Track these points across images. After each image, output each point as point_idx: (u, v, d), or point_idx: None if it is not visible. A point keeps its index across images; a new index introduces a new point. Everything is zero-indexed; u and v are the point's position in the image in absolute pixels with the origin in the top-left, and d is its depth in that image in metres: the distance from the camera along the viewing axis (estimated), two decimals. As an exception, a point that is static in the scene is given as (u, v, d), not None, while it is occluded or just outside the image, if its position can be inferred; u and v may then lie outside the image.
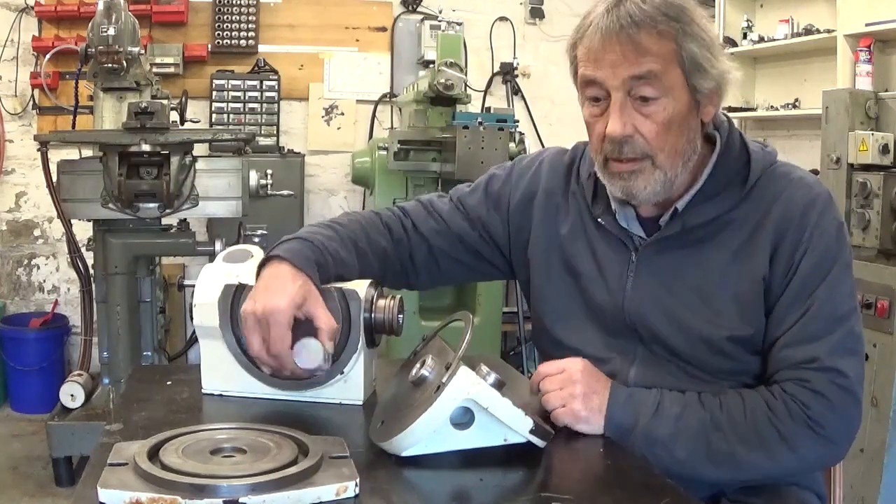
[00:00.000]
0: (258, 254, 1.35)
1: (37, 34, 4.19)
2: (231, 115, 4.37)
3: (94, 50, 2.88)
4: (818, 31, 3.67)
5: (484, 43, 4.70)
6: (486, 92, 4.67)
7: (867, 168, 2.85)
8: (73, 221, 3.05)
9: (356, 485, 0.94)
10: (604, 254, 1.35)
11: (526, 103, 4.70)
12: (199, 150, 3.09)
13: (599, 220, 1.35)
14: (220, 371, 1.32)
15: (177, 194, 2.88)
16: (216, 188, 2.98)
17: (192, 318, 1.34)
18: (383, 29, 4.60)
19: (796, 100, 3.96)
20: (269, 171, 3.11)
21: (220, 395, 1.33)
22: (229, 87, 4.36)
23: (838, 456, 1.24)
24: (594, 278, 1.35)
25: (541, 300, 1.42)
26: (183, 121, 3.36)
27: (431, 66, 3.67)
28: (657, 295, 1.29)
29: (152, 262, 3.21)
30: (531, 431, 1.08)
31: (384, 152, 3.67)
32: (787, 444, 1.18)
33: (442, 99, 3.54)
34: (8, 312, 4.26)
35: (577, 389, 1.21)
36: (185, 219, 3.15)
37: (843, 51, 3.39)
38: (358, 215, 1.46)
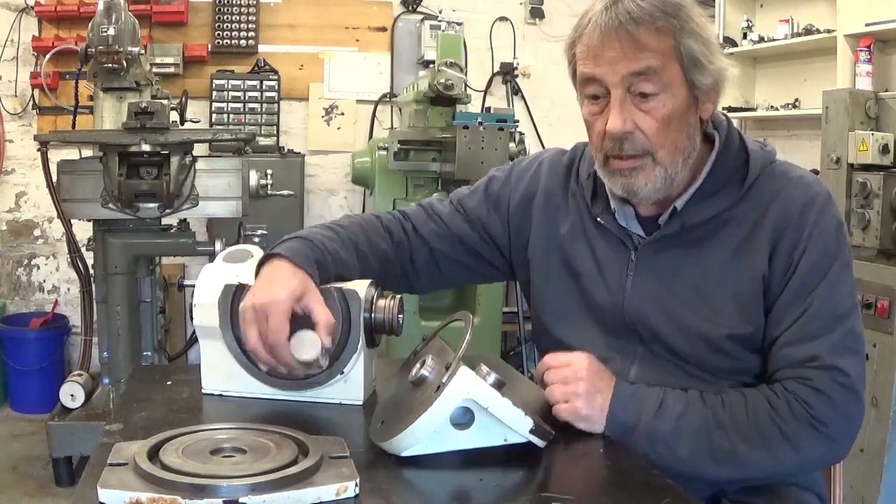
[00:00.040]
0: (258, 254, 1.35)
1: (37, 34, 4.19)
2: (231, 115, 4.37)
3: (94, 50, 2.88)
4: (818, 31, 3.67)
5: (484, 43, 4.70)
6: (486, 92, 4.67)
7: (867, 168, 2.85)
8: (73, 221, 3.05)
9: (356, 485, 0.94)
10: (603, 253, 1.35)
11: (526, 103, 4.70)
12: (199, 150, 3.09)
13: (599, 219, 1.36)
14: (220, 371, 1.32)
15: (177, 194, 2.88)
16: (216, 188, 2.98)
17: (192, 318, 1.34)
18: (383, 29, 4.60)
19: (796, 100, 3.96)
20: (269, 171, 3.11)
21: (220, 395, 1.33)
22: (229, 87, 4.36)
23: (840, 455, 1.24)
24: (594, 278, 1.35)
25: (541, 300, 1.42)
26: (183, 121, 3.36)
27: (431, 66, 3.67)
28: (656, 294, 1.29)
29: (152, 262, 3.21)
30: (531, 431, 1.08)
31: (384, 152, 3.67)
32: (790, 442, 1.18)
33: (442, 99, 3.54)
34: (8, 312, 4.26)
35: (580, 387, 1.20)
36: (185, 219, 3.15)
37: (843, 51, 3.39)
38: (358, 218, 1.47)
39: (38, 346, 3.99)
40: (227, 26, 4.38)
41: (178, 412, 1.25)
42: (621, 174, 1.25)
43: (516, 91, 4.70)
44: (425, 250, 1.46)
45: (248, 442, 1.02)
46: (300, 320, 1.19)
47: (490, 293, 3.69)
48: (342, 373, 1.28)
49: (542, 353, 1.47)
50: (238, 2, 4.38)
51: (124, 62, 2.91)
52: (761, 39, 3.99)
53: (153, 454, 0.96)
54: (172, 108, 3.18)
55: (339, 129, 4.57)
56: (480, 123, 3.44)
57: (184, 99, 3.40)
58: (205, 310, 1.31)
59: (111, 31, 2.84)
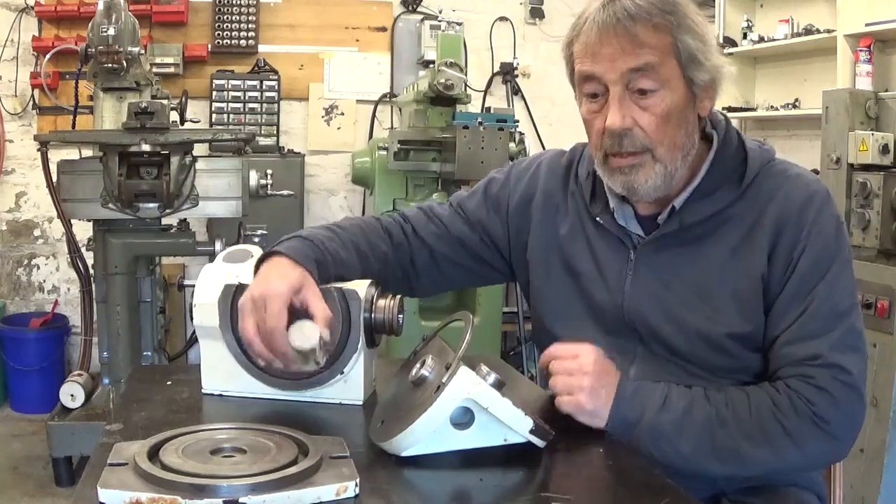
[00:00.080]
0: (258, 254, 1.35)
1: (37, 34, 4.19)
2: (231, 115, 4.37)
3: (94, 50, 2.88)
4: (818, 31, 3.67)
5: (484, 43, 4.70)
6: (486, 92, 4.67)
7: (867, 168, 2.85)
8: (73, 221, 3.05)
9: (356, 485, 0.94)
10: (603, 253, 1.35)
11: (526, 103, 4.70)
12: (199, 150, 3.09)
13: (598, 219, 1.36)
14: (220, 371, 1.32)
15: (177, 194, 2.89)
16: (216, 188, 2.98)
17: (192, 318, 1.34)
18: (383, 29, 4.60)
19: (796, 100, 3.96)
20: (269, 171, 3.11)
21: (220, 395, 1.33)
22: (229, 87, 4.36)
23: (842, 452, 1.23)
24: (594, 278, 1.35)
25: (541, 300, 1.42)
26: (183, 121, 3.36)
27: (431, 66, 3.67)
28: (656, 293, 1.29)
29: (152, 262, 3.21)
30: (531, 431, 1.08)
31: (384, 152, 3.67)
32: (793, 439, 1.17)
33: (442, 99, 3.54)
34: (8, 312, 4.26)
35: (585, 382, 1.19)
36: (185, 219, 3.15)
37: (843, 51, 3.39)
38: (358, 220, 1.47)
39: (38, 346, 3.99)
40: (227, 26, 4.38)
41: (178, 412, 1.25)
42: (621, 172, 1.26)
43: (516, 91, 4.70)
44: (425, 252, 1.46)
45: (248, 442, 1.02)
46: (298, 315, 1.19)
47: (490, 293, 3.69)
48: (342, 373, 1.28)
49: (542, 353, 1.47)
50: (238, 2, 4.38)
51: (124, 62, 2.91)
52: (761, 39, 3.99)
53: (153, 454, 0.96)
54: (172, 108, 3.18)
55: (339, 129, 4.57)
56: (480, 123, 3.44)
57: (184, 99, 3.40)
58: (205, 310, 1.31)
59: (111, 31, 2.84)
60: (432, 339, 1.24)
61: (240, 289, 1.27)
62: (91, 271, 3.11)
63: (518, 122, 3.76)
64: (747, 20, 4.11)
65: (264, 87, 4.39)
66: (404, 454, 1.07)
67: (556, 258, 1.40)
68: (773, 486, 1.29)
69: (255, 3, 4.41)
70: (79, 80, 3.15)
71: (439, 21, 4.30)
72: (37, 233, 4.37)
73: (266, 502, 0.89)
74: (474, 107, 4.16)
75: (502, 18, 4.71)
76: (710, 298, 1.26)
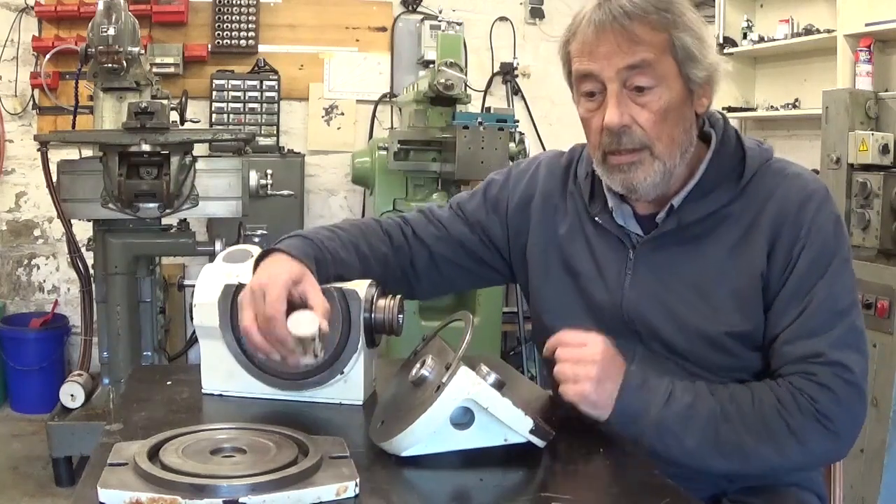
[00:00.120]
0: (258, 253, 1.35)
1: (37, 34, 4.19)
2: (231, 115, 4.36)
3: (94, 50, 2.88)
4: (818, 31, 3.67)
5: (484, 43, 4.70)
6: (486, 92, 4.67)
7: (867, 168, 2.85)
8: (73, 221, 3.05)
9: (356, 485, 0.94)
10: (602, 253, 1.35)
11: (526, 103, 4.70)
12: (199, 150, 3.09)
13: (597, 219, 1.36)
14: (220, 371, 1.32)
15: (177, 194, 2.89)
16: (216, 188, 2.98)
17: (192, 318, 1.34)
18: (383, 29, 4.60)
19: (796, 100, 3.96)
20: (269, 171, 3.11)
21: (220, 395, 1.33)
22: (229, 87, 4.35)
23: (843, 450, 1.23)
24: (593, 278, 1.35)
25: (540, 300, 1.43)
26: (183, 121, 3.36)
27: (431, 66, 3.67)
28: (655, 292, 1.29)
29: (152, 262, 3.21)
30: (531, 431, 1.08)
31: (384, 152, 3.67)
32: (796, 437, 1.17)
33: (442, 99, 3.54)
34: (8, 312, 4.26)
35: (592, 371, 1.16)
36: (185, 219, 3.15)
37: (843, 51, 3.39)
38: (357, 221, 1.48)
39: (38, 346, 3.98)
40: (227, 26, 4.38)
41: (178, 412, 1.25)
42: (620, 170, 1.26)
43: (516, 91, 4.70)
44: (425, 254, 1.47)
45: (248, 442, 1.02)
46: (297, 308, 1.19)
47: (490, 293, 3.69)
48: (342, 373, 1.28)
49: (542, 353, 1.47)
50: (238, 2, 4.38)
51: (124, 62, 2.91)
52: (761, 39, 3.98)
53: (153, 454, 0.96)
54: (172, 108, 3.18)
55: (339, 129, 4.57)
56: (480, 123, 3.43)
57: (184, 99, 3.40)
58: (205, 310, 1.31)
59: (111, 31, 2.84)
60: (432, 339, 1.24)
61: (240, 289, 1.27)
62: (91, 271, 3.11)
63: (518, 122, 3.76)
64: (747, 20, 4.11)
65: (264, 87, 4.39)
66: (404, 454, 1.07)
67: (556, 258, 1.40)
68: (773, 487, 1.29)
69: (255, 3, 4.41)
70: (79, 80, 3.15)
71: (439, 21, 4.30)
72: (37, 233, 4.37)
73: (266, 502, 0.89)
74: (474, 107, 4.16)
75: (502, 18, 4.70)
76: (709, 297, 1.26)
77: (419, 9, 4.57)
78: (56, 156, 3.16)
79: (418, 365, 1.12)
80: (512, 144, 3.59)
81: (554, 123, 4.66)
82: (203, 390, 1.34)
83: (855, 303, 1.25)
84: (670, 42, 1.21)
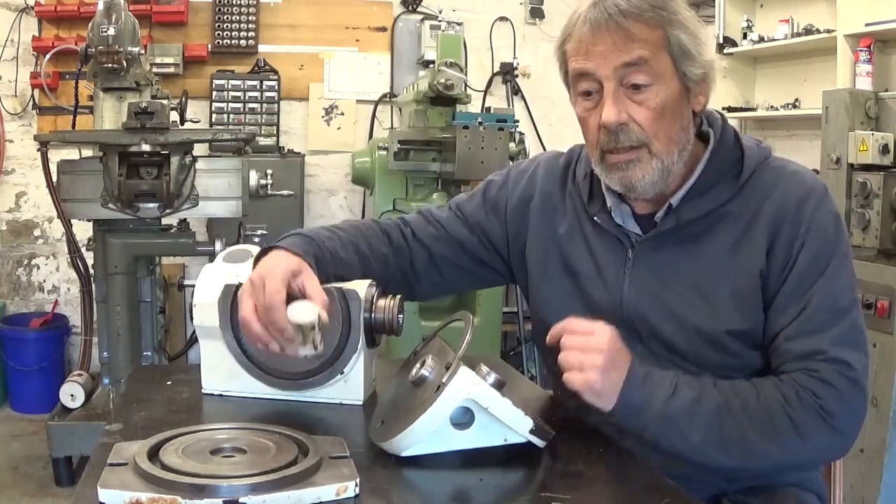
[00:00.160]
0: (258, 254, 1.36)
1: (37, 34, 4.19)
2: (231, 115, 4.36)
3: (94, 50, 2.88)
4: (818, 31, 3.67)
5: (484, 43, 4.70)
6: (486, 92, 4.67)
7: (867, 168, 2.85)
8: (73, 221, 3.05)
9: (356, 485, 0.94)
10: (601, 252, 1.35)
11: (526, 103, 4.70)
12: (199, 150, 3.09)
13: (596, 218, 1.36)
14: (220, 371, 1.32)
15: (177, 194, 2.89)
16: (216, 188, 2.99)
17: (192, 318, 1.34)
18: (383, 29, 4.60)
19: (796, 100, 3.96)
20: (269, 171, 3.11)
21: (220, 395, 1.33)
22: (229, 87, 4.35)
23: (845, 447, 1.22)
24: (592, 277, 1.35)
25: (540, 300, 1.43)
26: (183, 121, 3.36)
27: (431, 66, 3.67)
28: (655, 291, 1.29)
29: (152, 262, 3.21)
30: (531, 431, 1.08)
31: (384, 152, 3.67)
32: (799, 432, 1.17)
33: (442, 99, 3.54)
34: (8, 312, 4.26)
35: (599, 360, 1.15)
36: (185, 219, 3.15)
37: (843, 51, 3.39)
38: (357, 222, 1.48)
39: (38, 346, 3.98)
40: (227, 26, 4.38)
41: (178, 412, 1.25)
42: (618, 168, 1.26)
43: (516, 91, 4.70)
44: (425, 255, 1.47)
45: (248, 442, 1.02)
46: (296, 300, 1.19)
47: (490, 293, 3.68)
48: (342, 373, 1.28)
49: (542, 353, 1.47)
50: (238, 2, 4.38)
51: (124, 62, 2.91)
52: (761, 39, 3.98)
53: (153, 454, 0.96)
54: (172, 108, 3.18)
55: (339, 129, 4.57)
56: (480, 123, 3.43)
57: (184, 99, 3.40)
58: (205, 310, 1.31)
59: (111, 31, 2.84)
60: (432, 339, 1.24)
61: (240, 289, 1.27)
62: (91, 271, 3.11)
63: (518, 122, 3.76)
64: (747, 20, 4.11)
65: (264, 87, 4.39)
66: (404, 454, 1.07)
67: (555, 258, 1.40)
68: (773, 487, 1.29)
69: (255, 3, 4.41)
70: (79, 80, 3.15)
71: (439, 21, 4.30)
72: (37, 233, 4.37)
73: (266, 502, 0.89)
74: (474, 107, 4.16)
75: (502, 18, 4.70)
76: (708, 296, 1.26)
77: (419, 9, 4.57)
78: (56, 156, 3.16)
79: (418, 365, 1.12)
80: (512, 144, 3.59)
81: (554, 123, 4.66)
82: (203, 390, 1.34)
83: (855, 300, 1.24)
84: (666, 39, 1.21)
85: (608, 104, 1.22)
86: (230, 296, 1.28)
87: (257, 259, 1.27)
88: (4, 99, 4.21)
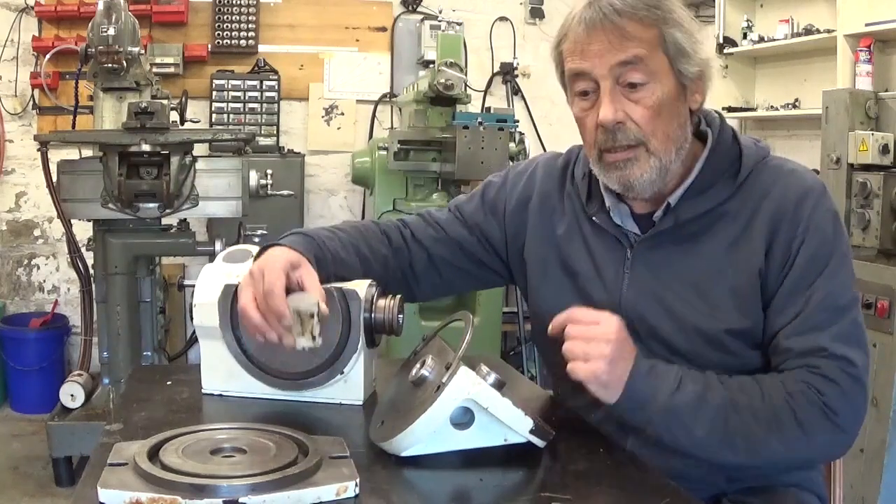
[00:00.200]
0: (258, 254, 1.36)
1: (37, 34, 4.19)
2: (231, 115, 4.36)
3: (94, 50, 2.88)
4: (818, 31, 3.67)
5: (484, 43, 4.70)
6: (486, 92, 4.67)
7: (867, 168, 2.85)
8: (73, 221, 3.05)
9: (356, 485, 0.94)
10: (600, 252, 1.35)
11: (526, 103, 4.70)
12: (199, 150, 3.09)
13: (594, 218, 1.36)
14: (220, 371, 1.32)
15: (177, 194, 2.89)
16: (216, 188, 2.99)
17: (192, 318, 1.34)
18: (383, 29, 4.61)
19: (796, 100, 3.96)
20: (269, 171, 3.11)
21: (220, 395, 1.33)
22: (229, 87, 4.35)
23: (846, 445, 1.22)
24: (591, 277, 1.35)
25: (539, 301, 1.43)
26: (183, 121, 3.36)
27: (431, 66, 3.67)
28: (653, 290, 1.29)
29: (152, 262, 3.21)
30: (531, 431, 1.08)
31: (384, 152, 3.67)
32: (803, 429, 1.16)
33: (442, 99, 3.54)
34: (8, 312, 4.26)
35: (607, 350, 1.13)
36: (185, 219, 3.15)
37: (843, 51, 3.38)
38: (356, 223, 1.49)
39: (38, 346, 3.98)
40: (227, 26, 4.38)
41: (178, 412, 1.25)
42: (616, 167, 1.26)
43: (516, 91, 4.70)
44: (424, 256, 1.47)
45: (248, 442, 1.02)
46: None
47: (490, 293, 3.68)
48: (342, 373, 1.28)
49: (542, 353, 1.47)
50: (238, 2, 4.38)
51: (124, 62, 2.91)
52: (761, 39, 3.98)
53: (153, 454, 0.96)
54: (172, 108, 3.18)
55: (339, 129, 4.57)
56: (480, 123, 3.43)
57: (184, 99, 3.40)
58: (205, 310, 1.31)
59: (111, 31, 2.84)
60: (432, 339, 1.25)
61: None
62: (91, 271, 3.11)
63: (518, 122, 3.76)
64: (747, 20, 4.11)
65: (264, 87, 4.39)
66: (404, 454, 1.07)
67: (554, 258, 1.40)
68: (773, 487, 1.29)
69: (255, 3, 4.41)
70: (79, 80, 3.15)
71: (439, 21, 4.30)
72: (37, 233, 4.37)
73: (266, 502, 0.89)
74: (474, 107, 4.16)
75: (502, 18, 4.70)
76: (707, 295, 1.26)
77: (419, 9, 4.57)
78: (56, 156, 3.16)
79: (418, 365, 1.12)
80: (512, 144, 3.59)
81: (554, 123, 4.66)
82: (203, 390, 1.34)
83: (855, 298, 1.24)
84: (661, 38, 1.21)
85: (605, 103, 1.22)
86: (230, 296, 1.28)
87: (257, 257, 1.27)
88: (4, 99, 4.21)
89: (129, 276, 2.97)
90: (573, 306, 1.36)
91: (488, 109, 4.19)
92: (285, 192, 3.22)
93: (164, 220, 3.07)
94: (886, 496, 2.55)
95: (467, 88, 3.80)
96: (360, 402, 1.30)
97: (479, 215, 1.49)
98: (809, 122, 3.75)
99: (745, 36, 4.07)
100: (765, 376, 1.22)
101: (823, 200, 1.26)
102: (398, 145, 3.60)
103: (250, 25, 4.40)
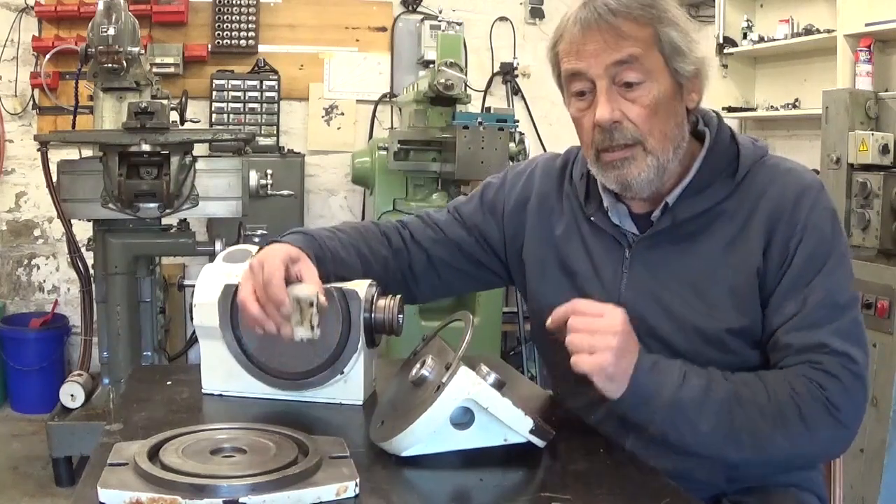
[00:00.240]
0: (258, 254, 1.36)
1: (37, 34, 4.19)
2: (231, 115, 4.36)
3: (94, 50, 2.88)
4: (818, 31, 3.67)
5: (484, 43, 4.70)
6: (486, 92, 4.67)
7: (867, 168, 2.85)
8: (73, 221, 3.05)
9: (356, 485, 0.94)
10: (598, 252, 1.36)
11: (526, 103, 4.70)
12: (199, 150, 3.09)
13: (592, 218, 1.36)
14: (220, 371, 1.32)
15: (177, 194, 2.89)
16: (216, 188, 2.99)
17: (192, 318, 1.34)
18: (383, 29, 4.61)
19: (796, 100, 3.96)
20: (269, 171, 3.11)
21: (220, 395, 1.33)
22: (229, 87, 4.36)
23: (847, 441, 1.22)
24: (590, 277, 1.35)
25: (538, 301, 1.43)
26: (183, 121, 3.36)
27: (431, 66, 3.67)
28: (652, 290, 1.29)
29: (152, 262, 3.21)
30: (531, 431, 1.08)
31: (384, 152, 3.67)
32: (807, 424, 1.16)
33: (442, 99, 3.54)
34: (8, 312, 4.26)
35: (614, 342, 1.11)
36: (185, 219, 3.16)
37: (843, 51, 3.38)
38: (357, 224, 1.50)
39: (38, 346, 3.98)
40: (227, 26, 4.38)
41: (178, 412, 1.25)
42: (613, 166, 1.26)
43: (516, 91, 4.70)
44: (423, 257, 1.47)
45: (248, 442, 1.02)
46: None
47: (490, 293, 3.68)
48: (342, 373, 1.28)
49: (542, 353, 1.47)
50: (238, 2, 4.38)
51: (124, 62, 2.91)
52: (761, 39, 3.98)
53: (153, 454, 0.96)
54: (172, 108, 3.18)
55: (339, 129, 4.57)
56: (480, 123, 3.44)
57: (184, 99, 3.40)
58: (205, 310, 1.31)
59: (111, 31, 2.84)
60: (432, 339, 1.25)
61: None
62: (91, 271, 3.11)
63: (518, 122, 3.76)
64: (747, 20, 4.11)
65: (264, 87, 4.39)
66: (404, 454, 1.07)
67: (552, 258, 1.40)
68: (773, 487, 1.29)
69: (255, 3, 4.41)
70: (79, 80, 3.15)
71: (439, 21, 4.30)
72: (37, 233, 4.37)
73: (266, 502, 0.89)
74: (474, 107, 4.16)
75: (502, 18, 4.71)
76: (705, 294, 1.26)
77: (419, 9, 4.57)
78: (56, 156, 3.16)
79: (418, 365, 1.12)
80: (512, 144, 3.59)
81: (554, 123, 4.66)
82: (203, 390, 1.34)
83: (854, 296, 1.24)
84: (656, 36, 1.22)
85: (601, 102, 1.22)
86: (230, 296, 1.28)
87: (257, 254, 1.28)
88: (4, 99, 4.21)
89: (129, 276, 2.97)
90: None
91: (488, 109, 4.19)
92: (285, 193, 3.22)
93: (164, 220, 3.07)
94: (886, 496, 2.55)
95: (467, 88, 3.80)
96: (360, 402, 1.30)
97: (478, 216, 1.49)
98: (809, 122, 3.75)
99: (745, 36, 4.07)
100: (767, 372, 1.22)
101: (821, 199, 1.26)
102: (398, 145, 3.60)
103: (250, 25, 4.40)
